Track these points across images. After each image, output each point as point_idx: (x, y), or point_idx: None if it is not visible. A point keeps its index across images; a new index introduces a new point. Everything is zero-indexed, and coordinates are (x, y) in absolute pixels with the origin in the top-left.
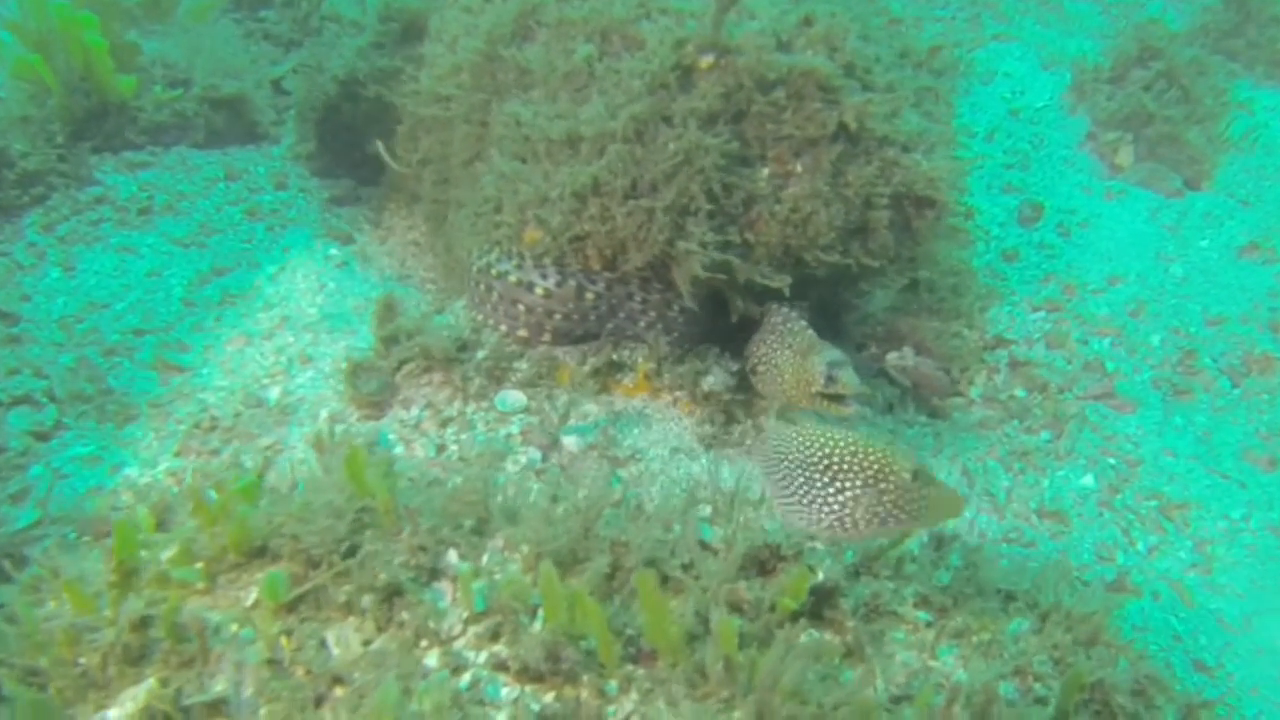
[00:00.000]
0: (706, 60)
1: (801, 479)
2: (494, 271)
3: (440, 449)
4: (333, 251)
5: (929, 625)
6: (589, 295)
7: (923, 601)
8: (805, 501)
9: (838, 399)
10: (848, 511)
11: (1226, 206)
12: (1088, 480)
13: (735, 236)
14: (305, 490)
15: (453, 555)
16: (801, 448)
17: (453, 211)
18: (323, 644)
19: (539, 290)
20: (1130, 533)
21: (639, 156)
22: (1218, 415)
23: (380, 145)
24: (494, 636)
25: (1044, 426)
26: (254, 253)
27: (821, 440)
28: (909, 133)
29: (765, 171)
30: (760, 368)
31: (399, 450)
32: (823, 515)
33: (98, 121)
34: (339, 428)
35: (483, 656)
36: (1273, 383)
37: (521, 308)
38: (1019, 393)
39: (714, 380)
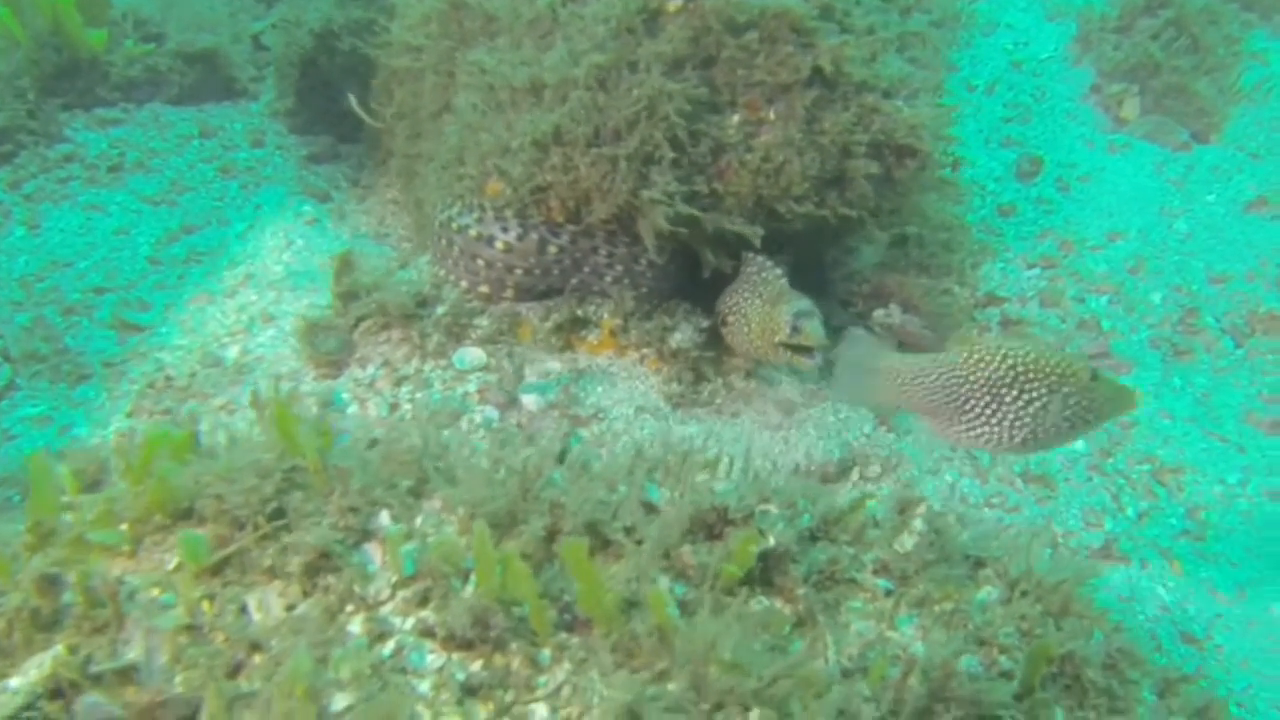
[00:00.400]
0: (674, 3)
1: (987, 398)
2: (454, 225)
3: (394, 408)
4: (305, 209)
5: (889, 594)
6: (551, 249)
7: (883, 568)
8: (995, 421)
9: (802, 350)
10: (1039, 421)
11: (1235, 160)
12: (1077, 443)
13: (703, 186)
14: (234, 449)
15: (385, 517)
16: (978, 368)
17: (423, 165)
18: (243, 609)
19: (499, 244)
20: (1120, 498)
21: (602, 104)
22: (1219, 376)
23: (352, 99)
24: (422, 601)
25: None
26: (225, 210)
27: (1000, 355)
28: (890, 78)
29: (735, 119)
30: (730, 318)
31: (352, 409)
32: (1015, 430)
33: (69, 77)
34: (292, 386)
35: (409, 623)
36: (1278, 343)
37: (482, 263)
38: None
39: (682, 337)
